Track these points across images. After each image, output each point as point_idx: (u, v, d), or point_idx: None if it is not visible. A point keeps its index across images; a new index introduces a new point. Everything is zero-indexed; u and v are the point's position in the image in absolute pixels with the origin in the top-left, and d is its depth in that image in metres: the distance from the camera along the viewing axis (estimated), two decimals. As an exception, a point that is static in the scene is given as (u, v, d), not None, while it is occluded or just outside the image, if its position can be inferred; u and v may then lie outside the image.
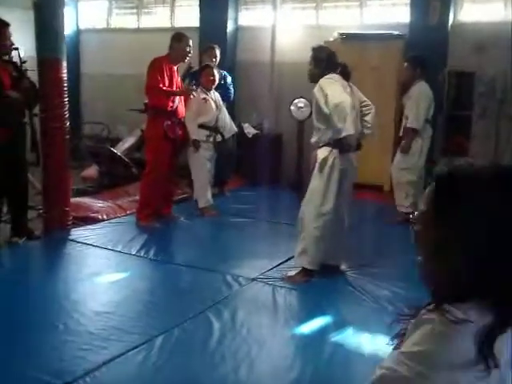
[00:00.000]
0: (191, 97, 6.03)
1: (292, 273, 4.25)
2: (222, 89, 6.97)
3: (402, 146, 6.12)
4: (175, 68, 5.80)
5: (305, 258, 4.21)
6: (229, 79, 7.27)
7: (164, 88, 5.59)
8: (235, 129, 6.51)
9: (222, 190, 7.33)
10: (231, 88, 7.25)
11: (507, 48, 7.10)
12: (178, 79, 5.85)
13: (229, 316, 3.60)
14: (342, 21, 8.37)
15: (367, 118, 4.39)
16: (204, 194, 6.20)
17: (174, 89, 5.75)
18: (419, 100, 5.98)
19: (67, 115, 5.28)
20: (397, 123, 7.46)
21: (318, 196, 4.17)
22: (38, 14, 4.99)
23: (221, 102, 6.32)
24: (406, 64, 6.19)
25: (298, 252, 4.27)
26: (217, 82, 6.23)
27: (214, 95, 6.26)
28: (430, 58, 6.42)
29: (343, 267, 4.48)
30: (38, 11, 4.98)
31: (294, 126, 8.21)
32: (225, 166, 7.14)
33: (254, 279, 4.27)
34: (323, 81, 4.10)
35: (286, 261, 4.67)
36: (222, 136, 6.29)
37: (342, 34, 7.77)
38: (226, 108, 6.72)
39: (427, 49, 6.97)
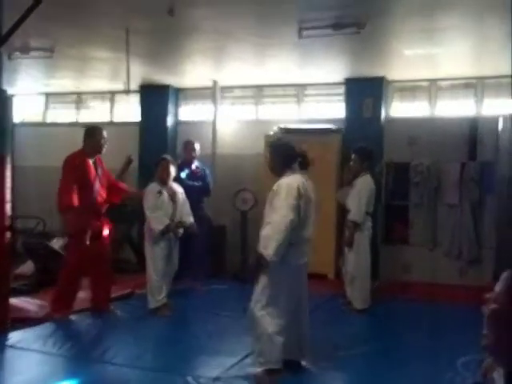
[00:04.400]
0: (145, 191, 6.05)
1: (258, 370, 4.07)
2: (202, 181, 7.28)
3: (345, 240, 6.20)
4: (91, 162, 5.73)
5: (263, 358, 4.04)
6: (207, 171, 7.49)
7: (73, 196, 5.49)
8: (189, 220, 6.21)
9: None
10: (210, 180, 7.45)
11: (436, 140, 7.64)
12: (95, 172, 5.75)
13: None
14: (281, 115, 8.75)
15: None
16: (154, 294, 5.92)
17: (92, 181, 5.68)
18: (361, 193, 6.11)
19: (9, 213, 5.05)
20: (337, 212, 7.68)
21: (265, 294, 4.04)
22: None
23: (179, 196, 6.14)
24: (353, 156, 6.33)
25: (256, 354, 4.11)
26: (173, 175, 6.14)
27: (171, 188, 6.10)
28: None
29: (303, 362, 4.35)
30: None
31: (238, 217, 8.25)
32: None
33: (216, 379, 4.05)
34: (281, 188, 4.03)
35: (246, 357, 4.49)
36: (185, 229, 6.12)
37: (281, 129, 8.07)
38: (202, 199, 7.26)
39: (363, 142, 7.33)
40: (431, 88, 8.14)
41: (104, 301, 5.90)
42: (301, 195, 4.02)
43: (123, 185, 6.21)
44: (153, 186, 6.03)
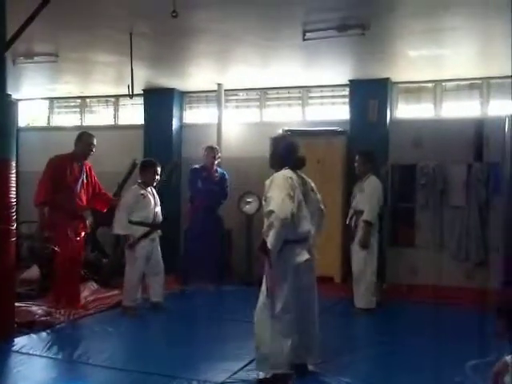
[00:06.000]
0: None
1: (262, 375, 4.03)
2: (220, 186, 7.64)
3: (361, 241, 6.17)
4: (76, 165, 5.99)
5: (267, 363, 3.98)
6: (227, 176, 7.82)
7: (47, 193, 5.76)
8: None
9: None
10: (227, 185, 7.79)
11: (441, 142, 7.59)
12: (80, 176, 6.00)
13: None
14: (286, 118, 8.74)
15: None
16: (131, 293, 6.07)
17: (70, 183, 5.91)
18: (373, 194, 6.20)
19: (14, 216, 5.04)
20: (343, 214, 7.64)
21: (270, 295, 3.99)
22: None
23: (157, 198, 6.30)
24: (357, 157, 6.44)
25: (262, 358, 4.03)
26: (158, 179, 6.30)
27: (152, 191, 6.27)
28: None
29: (310, 366, 4.30)
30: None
31: (243, 221, 8.23)
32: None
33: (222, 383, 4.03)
34: (276, 179, 4.03)
35: (252, 361, 4.43)
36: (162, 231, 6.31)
37: (286, 131, 8.04)
38: (221, 202, 7.74)
39: (369, 144, 7.32)
40: (436, 89, 8.09)
41: (74, 301, 6.03)
42: (294, 187, 4.00)
43: (109, 195, 6.46)
44: (136, 189, 6.16)
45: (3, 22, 4.85)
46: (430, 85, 8.13)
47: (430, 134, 7.78)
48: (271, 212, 3.85)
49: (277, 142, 4.35)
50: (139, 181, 6.26)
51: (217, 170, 7.79)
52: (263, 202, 4.14)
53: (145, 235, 6.04)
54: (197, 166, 7.84)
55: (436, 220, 7.68)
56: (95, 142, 6.06)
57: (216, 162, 7.76)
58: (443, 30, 5.80)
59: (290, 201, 3.90)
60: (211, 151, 7.71)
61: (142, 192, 6.10)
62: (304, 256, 4.08)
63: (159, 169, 6.27)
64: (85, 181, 6.02)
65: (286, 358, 4.00)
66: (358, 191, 6.37)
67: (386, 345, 5.12)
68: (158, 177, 6.25)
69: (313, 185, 4.31)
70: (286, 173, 4.09)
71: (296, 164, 4.21)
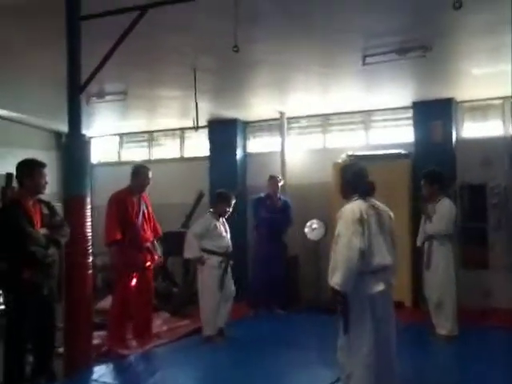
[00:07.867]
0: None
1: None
2: (284, 214, 7.81)
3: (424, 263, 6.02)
4: (134, 199, 6.11)
5: None
6: (289, 203, 7.99)
7: (117, 231, 5.89)
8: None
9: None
10: (290, 212, 7.93)
11: (512, 160, 7.34)
12: (140, 209, 6.11)
13: None
14: (349, 143, 8.73)
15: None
16: (210, 322, 6.09)
17: (134, 217, 6.03)
18: (447, 215, 6.01)
19: (91, 250, 5.27)
20: (411, 238, 7.48)
21: (347, 336, 3.85)
22: (67, 154, 5.17)
23: (228, 228, 6.40)
24: (422, 181, 6.27)
25: None
26: (230, 211, 6.40)
27: (223, 220, 6.37)
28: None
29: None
30: (67, 151, 5.17)
31: (309, 247, 8.22)
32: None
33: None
34: (344, 214, 3.97)
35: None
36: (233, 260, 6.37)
37: (350, 156, 8.03)
38: (285, 229, 7.91)
39: (435, 165, 7.14)
40: (504, 106, 7.87)
41: (146, 329, 6.14)
42: (363, 221, 3.89)
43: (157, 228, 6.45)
44: (208, 218, 6.27)
45: (78, 68, 5.15)
46: (497, 102, 7.92)
47: (500, 152, 7.56)
48: (338, 251, 3.84)
49: (345, 171, 4.30)
50: (211, 210, 6.38)
51: (280, 198, 7.93)
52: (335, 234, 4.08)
53: (219, 264, 6.10)
54: (261, 194, 7.99)
55: (510, 240, 7.40)
56: (151, 174, 6.20)
57: (277, 190, 7.92)
58: (506, 45, 5.64)
59: (356, 238, 3.81)
60: (274, 180, 7.92)
61: (215, 222, 6.21)
62: (379, 286, 3.92)
63: (234, 201, 6.39)
64: (145, 212, 6.18)
65: None
66: (431, 213, 6.11)
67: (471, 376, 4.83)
68: (230, 209, 6.35)
69: (391, 214, 4.17)
70: (355, 206, 3.98)
71: (365, 190, 4.13)
